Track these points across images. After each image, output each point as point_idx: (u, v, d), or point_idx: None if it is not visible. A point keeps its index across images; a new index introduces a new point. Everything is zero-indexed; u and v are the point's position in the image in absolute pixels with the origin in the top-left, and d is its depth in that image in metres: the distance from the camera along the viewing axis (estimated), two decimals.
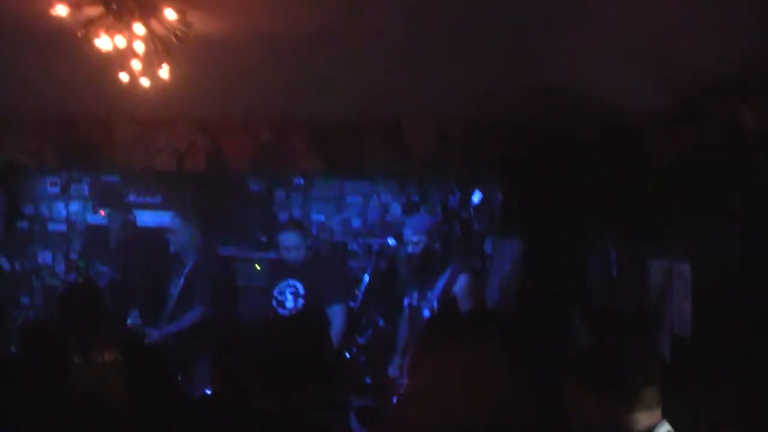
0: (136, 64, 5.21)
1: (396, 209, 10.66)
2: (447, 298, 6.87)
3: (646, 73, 5.87)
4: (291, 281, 7.70)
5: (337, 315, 7.53)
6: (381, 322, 8.96)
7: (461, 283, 6.94)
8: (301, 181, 10.25)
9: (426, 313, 6.86)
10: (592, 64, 5.80)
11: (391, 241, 8.32)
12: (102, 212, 9.37)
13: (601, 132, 7.23)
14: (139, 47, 4.92)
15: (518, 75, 6.12)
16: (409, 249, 7.00)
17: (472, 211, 9.01)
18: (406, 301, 7.16)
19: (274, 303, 7.72)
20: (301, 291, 7.67)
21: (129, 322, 7.47)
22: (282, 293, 7.73)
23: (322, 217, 10.73)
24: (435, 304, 6.84)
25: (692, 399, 4.53)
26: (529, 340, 4.05)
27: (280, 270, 7.94)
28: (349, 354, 8.43)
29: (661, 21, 4.94)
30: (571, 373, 3.49)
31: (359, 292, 7.63)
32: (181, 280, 7.94)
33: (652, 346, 6.35)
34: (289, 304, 7.66)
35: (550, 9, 4.90)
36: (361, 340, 9.07)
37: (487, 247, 10.12)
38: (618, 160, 7.09)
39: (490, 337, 3.55)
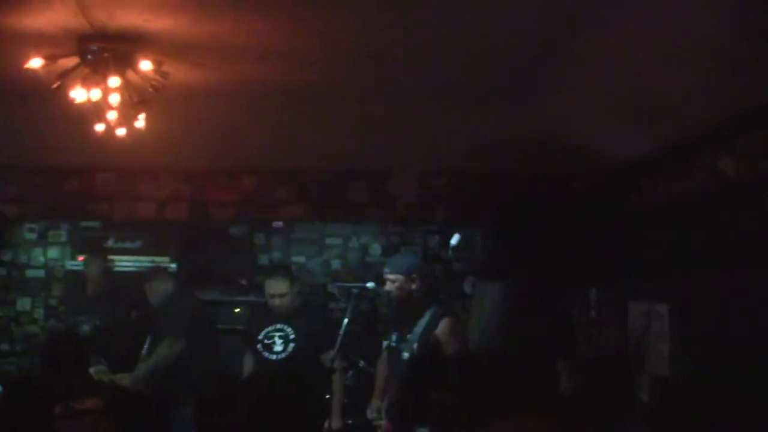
0: (112, 115, 5.21)
1: (376, 250, 10.67)
2: (428, 341, 6.85)
3: (625, 122, 5.92)
4: (279, 325, 7.61)
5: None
6: (362, 363, 8.92)
7: (444, 326, 6.92)
8: (281, 224, 10.22)
9: (405, 355, 6.84)
10: (577, 113, 5.84)
11: (369, 285, 8.32)
12: (81, 258, 9.30)
13: (581, 178, 7.28)
14: (115, 99, 4.92)
15: (503, 126, 6.16)
16: (388, 288, 6.96)
17: (451, 252, 9.01)
18: (384, 344, 7.13)
19: (260, 347, 7.63)
20: (291, 335, 7.59)
21: (92, 370, 7.33)
22: (270, 337, 7.64)
23: (302, 259, 10.73)
24: (415, 347, 6.82)
25: None
26: (511, 382, 4.07)
27: (265, 314, 7.86)
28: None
29: (643, 71, 4.98)
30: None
31: (339, 334, 7.63)
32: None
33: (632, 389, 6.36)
34: (278, 348, 7.58)
35: (534, 62, 4.96)
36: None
37: (467, 288, 10.15)
38: (600, 204, 7.14)
39: (474, 380, 3.57)
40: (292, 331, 7.56)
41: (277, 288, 7.54)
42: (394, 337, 7.02)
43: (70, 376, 5.67)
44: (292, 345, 7.52)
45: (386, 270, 7.06)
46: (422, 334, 6.84)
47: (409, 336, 6.88)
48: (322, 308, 9.59)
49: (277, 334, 7.56)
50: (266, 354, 7.54)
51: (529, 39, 4.87)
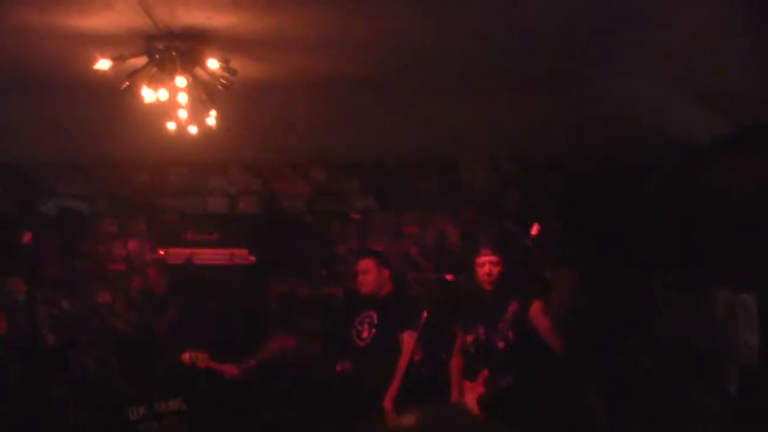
0: (182, 113, 5.19)
1: (453, 238, 10.57)
2: (523, 328, 6.72)
3: (704, 104, 5.76)
4: (368, 312, 7.53)
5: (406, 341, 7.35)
6: (441, 354, 8.83)
7: (537, 309, 6.80)
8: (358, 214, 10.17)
9: (500, 345, 6.72)
10: (649, 96, 5.69)
11: (446, 277, 8.22)
12: (161, 251, 9.34)
13: (661, 162, 7.11)
14: (183, 98, 4.90)
15: (574, 110, 6.02)
16: (482, 271, 6.81)
17: (530, 240, 8.88)
18: (471, 337, 7.00)
19: (354, 333, 7.56)
20: (375, 321, 7.50)
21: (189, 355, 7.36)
22: (361, 323, 7.56)
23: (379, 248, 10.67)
24: (510, 336, 6.69)
25: None
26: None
27: (355, 301, 7.78)
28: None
29: (715, 50, 4.83)
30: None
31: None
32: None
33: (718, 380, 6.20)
34: (365, 334, 7.49)
35: (603, 44, 4.83)
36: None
37: (545, 274, 10.01)
38: (679, 189, 6.97)
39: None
40: (376, 317, 7.40)
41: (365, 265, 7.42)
42: (480, 327, 6.90)
43: (148, 376, 5.70)
44: (373, 330, 7.37)
45: (479, 253, 6.93)
46: (515, 321, 6.71)
47: (500, 325, 6.76)
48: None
49: (367, 320, 7.45)
50: (357, 340, 7.41)
51: (596, 19, 4.75)
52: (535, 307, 6.77)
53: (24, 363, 9.44)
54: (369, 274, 7.38)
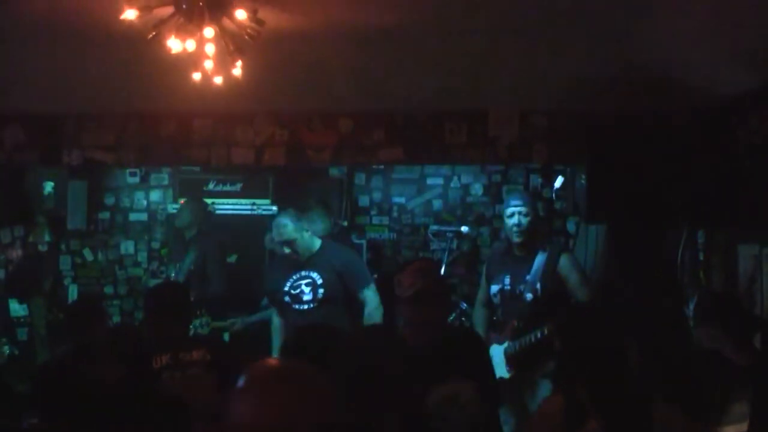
0: (208, 64, 5.13)
1: (477, 190, 10.55)
2: (552, 280, 6.70)
3: (734, 54, 5.66)
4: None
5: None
6: (464, 306, 8.84)
7: (566, 261, 6.77)
8: (381, 165, 10.11)
9: (528, 296, 6.69)
10: (679, 46, 5.60)
11: (464, 229, 8.21)
12: (182, 201, 9.34)
13: (689, 115, 7.02)
14: (210, 49, 4.83)
15: (604, 61, 5.92)
16: (512, 222, 6.76)
17: (555, 194, 8.85)
18: (494, 288, 6.97)
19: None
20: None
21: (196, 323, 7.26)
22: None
23: (402, 200, 10.67)
24: (538, 287, 6.67)
25: None
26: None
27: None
28: None
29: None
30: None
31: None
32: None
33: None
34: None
35: None
36: None
37: (570, 227, 10.00)
38: (706, 142, 6.89)
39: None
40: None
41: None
42: (507, 279, 6.87)
43: (175, 327, 5.70)
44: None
45: (511, 202, 6.89)
46: (544, 273, 6.68)
47: (528, 277, 6.73)
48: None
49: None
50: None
51: None
52: (564, 260, 6.76)
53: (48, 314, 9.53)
54: None
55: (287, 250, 7.16)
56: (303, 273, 7.17)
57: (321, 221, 7.98)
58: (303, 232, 7.11)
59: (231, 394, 2.51)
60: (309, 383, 2.51)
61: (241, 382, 2.53)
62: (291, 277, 7.20)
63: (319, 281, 7.12)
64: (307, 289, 7.12)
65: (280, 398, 2.42)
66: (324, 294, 7.07)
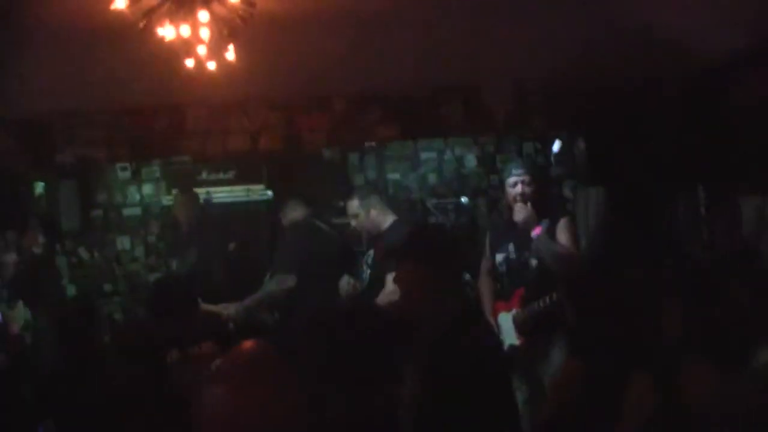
0: (201, 49, 5.08)
1: (471, 162, 10.49)
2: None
3: (725, 14, 5.64)
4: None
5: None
6: (467, 277, 8.80)
7: (564, 225, 6.74)
8: (373, 143, 10.04)
9: (534, 262, 6.66)
10: (671, 7, 5.57)
11: (463, 200, 8.17)
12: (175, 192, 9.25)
13: (684, 73, 7.01)
14: (205, 34, 4.78)
15: (596, 24, 5.89)
16: (515, 190, 6.72)
17: (552, 158, 8.82)
18: (500, 257, 6.93)
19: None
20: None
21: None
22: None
23: (397, 176, 10.60)
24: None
25: None
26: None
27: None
28: None
29: None
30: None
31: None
32: None
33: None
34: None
35: None
36: None
37: (567, 192, 9.97)
38: (702, 100, 6.89)
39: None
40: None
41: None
42: (511, 247, 6.83)
43: (181, 321, 5.63)
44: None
45: (513, 171, 6.85)
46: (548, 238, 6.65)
47: (533, 244, 6.69)
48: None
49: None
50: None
51: None
52: (561, 222, 6.73)
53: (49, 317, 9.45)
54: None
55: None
56: None
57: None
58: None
59: (203, 378, 2.53)
60: (275, 370, 2.51)
61: (213, 367, 2.55)
62: None
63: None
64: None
65: (248, 383, 2.42)
66: None
